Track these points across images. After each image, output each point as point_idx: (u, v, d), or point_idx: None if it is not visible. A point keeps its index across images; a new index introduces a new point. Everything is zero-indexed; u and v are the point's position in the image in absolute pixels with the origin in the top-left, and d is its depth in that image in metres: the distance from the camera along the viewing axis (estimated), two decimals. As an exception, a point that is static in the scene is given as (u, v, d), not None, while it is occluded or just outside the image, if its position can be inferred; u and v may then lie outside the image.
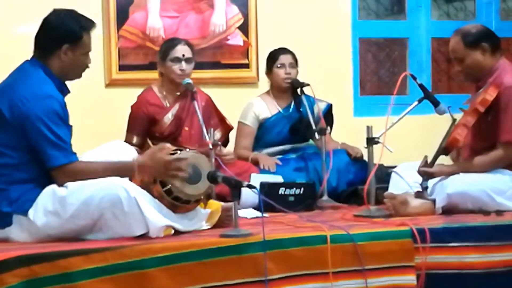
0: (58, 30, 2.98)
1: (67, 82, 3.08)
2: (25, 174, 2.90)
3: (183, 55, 4.06)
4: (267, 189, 3.65)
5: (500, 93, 3.50)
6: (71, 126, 3.00)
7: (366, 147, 3.51)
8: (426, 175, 3.51)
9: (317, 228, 2.99)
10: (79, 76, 3.08)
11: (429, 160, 3.56)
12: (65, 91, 3.05)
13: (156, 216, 2.84)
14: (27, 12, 4.39)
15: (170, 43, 4.14)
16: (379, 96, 5.35)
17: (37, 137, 2.86)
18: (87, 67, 3.08)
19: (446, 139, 3.52)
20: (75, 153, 2.94)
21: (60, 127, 2.89)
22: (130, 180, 2.97)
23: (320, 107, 4.28)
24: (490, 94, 3.49)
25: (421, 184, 3.51)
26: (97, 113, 4.59)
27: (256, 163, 4.19)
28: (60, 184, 2.88)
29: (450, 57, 3.74)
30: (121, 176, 2.94)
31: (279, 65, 4.35)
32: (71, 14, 3.02)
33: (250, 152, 4.35)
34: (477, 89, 3.67)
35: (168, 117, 4.13)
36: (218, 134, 4.17)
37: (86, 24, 3.02)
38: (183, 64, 4.05)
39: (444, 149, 3.54)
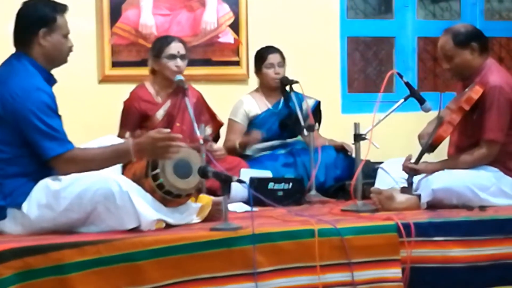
0: (31, 18, 2.97)
1: (54, 72, 3.07)
2: (19, 168, 2.91)
3: (178, 52, 4.08)
4: (256, 184, 3.68)
5: (485, 92, 3.53)
6: (60, 116, 2.99)
7: (353, 144, 3.55)
8: (411, 171, 3.57)
9: (305, 222, 3.02)
10: (65, 60, 3.07)
11: (415, 156, 3.62)
12: (52, 80, 3.05)
13: (147, 209, 2.86)
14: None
15: (164, 40, 4.15)
16: (366, 93, 5.39)
17: (31, 130, 2.87)
18: (71, 50, 3.06)
19: (432, 136, 3.58)
20: (70, 142, 2.94)
21: (52, 118, 2.90)
22: (124, 168, 3.01)
23: (308, 103, 4.32)
24: (475, 93, 3.53)
25: (407, 180, 3.56)
26: (90, 108, 4.60)
27: (244, 146, 4.23)
28: (62, 174, 2.89)
29: (439, 55, 3.76)
30: (120, 159, 2.97)
31: (268, 65, 4.39)
32: (41, 0, 3.01)
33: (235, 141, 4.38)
34: (463, 87, 3.70)
35: (160, 113, 4.14)
36: (209, 130, 4.20)
37: (58, 7, 3.01)
38: (178, 61, 4.08)
39: (430, 146, 3.60)
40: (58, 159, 2.89)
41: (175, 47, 4.09)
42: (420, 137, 3.74)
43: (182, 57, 4.09)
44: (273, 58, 4.39)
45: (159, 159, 2.92)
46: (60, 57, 3.05)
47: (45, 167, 2.93)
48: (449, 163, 3.62)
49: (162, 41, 4.15)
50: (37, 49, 2.99)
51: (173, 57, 4.07)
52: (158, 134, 2.92)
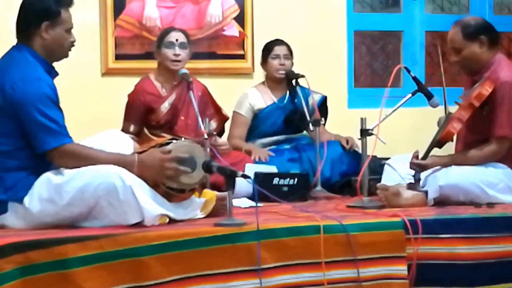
0: (35, 9, 2.95)
1: (57, 65, 3.04)
2: (20, 161, 2.89)
3: (177, 40, 4.07)
4: (261, 179, 3.66)
5: (496, 88, 3.50)
6: (61, 108, 2.96)
7: (359, 139, 3.53)
8: (418, 168, 3.53)
9: (310, 218, 3.00)
10: (66, 55, 3.04)
11: (422, 153, 3.59)
12: (53, 73, 3.02)
13: (151, 204, 2.84)
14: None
15: (164, 31, 4.18)
16: (373, 88, 5.37)
17: (29, 121, 2.84)
18: (73, 45, 3.03)
19: (440, 132, 3.55)
20: (69, 136, 2.91)
21: (52, 109, 2.88)
22: None
23: (314, 98, 4.30)
24: (486, 89, 3.50)
25: (413, 176, 3.53)
26: (94, 102, 4.60)
27: (249, 154, 4.21)
28: (59, 167, 2.87)
29: (448, 47, 3.73)
30: None
31: (273, 56, 4.38)
32: None
33: (244, 142, 4.37)
34: (472, 82, 3.67)
35: (165, 106, 4.13)
36: (213, 124, 4.18)
37: (63, 0, 2.98)
38: (177, 49, 4.05)
39: (438, 142, 3.57)
40: (53, 152, 2.87)
41: (174, 36, 4.08)
42: (439, 123, 3.71)
43: (181, 45, 4.07)
44: (279, 49, 4.37)
45: (162, 180, 2.90)
46: (60, 51, 3.02)
47: (46, 160, 2.91)
48: (458, 158, 3.59)
49: (162, 32, 4.17)
50: (38, 41, 2.96)
51: (171, 44, 4.06)
52: (165, 156, 2.91)
